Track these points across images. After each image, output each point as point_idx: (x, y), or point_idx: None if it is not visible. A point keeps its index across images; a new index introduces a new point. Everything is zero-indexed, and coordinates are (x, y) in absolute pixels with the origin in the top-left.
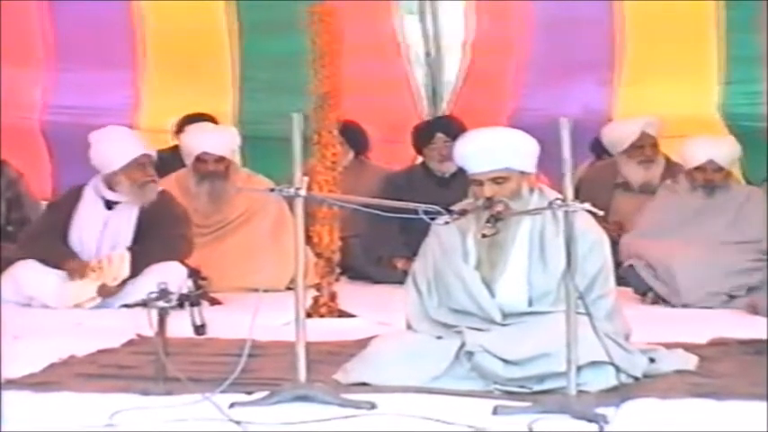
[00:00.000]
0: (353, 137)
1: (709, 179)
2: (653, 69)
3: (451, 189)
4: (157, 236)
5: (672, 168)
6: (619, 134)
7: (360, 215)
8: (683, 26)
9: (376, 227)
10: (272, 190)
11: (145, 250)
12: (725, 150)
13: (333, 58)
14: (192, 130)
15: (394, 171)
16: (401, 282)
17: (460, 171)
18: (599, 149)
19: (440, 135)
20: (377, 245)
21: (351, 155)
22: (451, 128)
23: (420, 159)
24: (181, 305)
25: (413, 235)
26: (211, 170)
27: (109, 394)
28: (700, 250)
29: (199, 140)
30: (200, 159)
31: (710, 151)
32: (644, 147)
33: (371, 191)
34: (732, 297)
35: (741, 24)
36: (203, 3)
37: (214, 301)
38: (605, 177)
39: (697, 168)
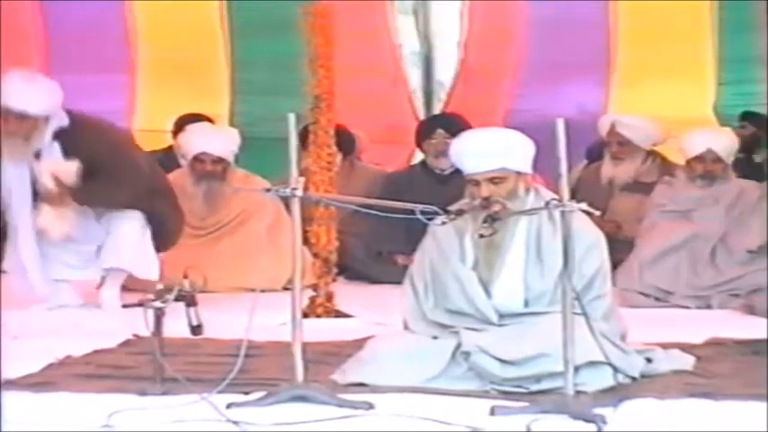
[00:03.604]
0: (340, 139)
1: (708, 170)
2: (648, 70)
3: (451, 187)
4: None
5: (668, 169)
6: (599, 127)
7: (360, 214)
8: (678, 27)
9: (379, 224)
10: (269, 190)
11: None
12: (723, 141)
13: (327, 58)
14: (193, 129)
15: (394, 170)
16: (399, 281)
17: (459, 169)
18: (594, 155)
19: (440, 131)
20: (379, 241)
21: (338, 157)
22: (453, 125)
23: (419, 159)
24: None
25: (415, 233)
26: (209, 170)
27: (106, 395)
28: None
29: (198, 140)
30: (198, 159)
31: (709, 141)
32: (611, 143)
33: (362, 191)
34: (735, 295)
35: (736, 25)
36: (197, 5)
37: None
38: (586, 178)
39: (695, 158)
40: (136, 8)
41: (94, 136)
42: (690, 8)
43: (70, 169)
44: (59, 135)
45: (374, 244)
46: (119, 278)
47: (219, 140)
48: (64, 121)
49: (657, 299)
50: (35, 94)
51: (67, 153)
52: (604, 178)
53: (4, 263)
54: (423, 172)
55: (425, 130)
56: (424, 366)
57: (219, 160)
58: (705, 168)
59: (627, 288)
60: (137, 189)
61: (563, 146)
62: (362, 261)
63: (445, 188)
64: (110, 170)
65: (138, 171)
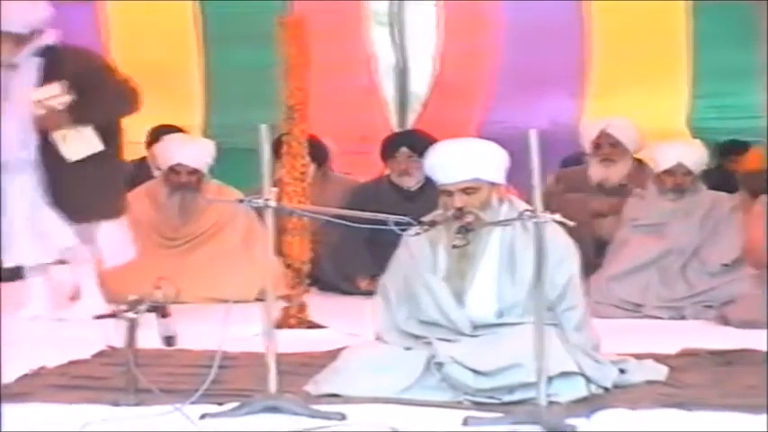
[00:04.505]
0: (313, 149)
1: (678, 183)
2: (622, 82)
3: (418, 203)
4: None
5: (644, 171)
6: (584, 132)
7: (332, 225)
8: (652, 40)
9: (343, 241)
10: (242, 201)
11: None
12: (694, 154)
13: (301, 69)
14: (169, 140)
15: (361, 183)
16: (370, 294)
17: (427, 185)
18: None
19: (404, 150)
20: (343, 260)
21: (312, 167)
22: (417, 143)
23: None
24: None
25: (379, 249)
26: (183, 182)
27: (80, 405)
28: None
29: (175, 151)
30: (173, 170)
31: (680, 154)
32: (602, 145)
33: (337, 202)
34: (709, 306)
35: (711, 38)
36: (171, 14)
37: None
38: (575, 178)
39: (666, 172)
40: (109, 17)
41: (79, 57)
42: (665, 21)
43: (53, 92)
44: (45, 53)
45: (339, 262)
46: (89, 281)
47: (196, 152)
48: (50, 38)
49: (628, 311)
50: (17, 12)
51: (52, 72)
52: (593, 180)
53: None
54: (389, 187)
55: (389, 149)
56: (398, 377)
57: (194, 171)
58: (675, 182)
59: (599, 301)
60: (124, 105)
61: (536, 157)
62: (333, 273)
63: (412, 204)
64: (96, 85)
65: (122, 88)
